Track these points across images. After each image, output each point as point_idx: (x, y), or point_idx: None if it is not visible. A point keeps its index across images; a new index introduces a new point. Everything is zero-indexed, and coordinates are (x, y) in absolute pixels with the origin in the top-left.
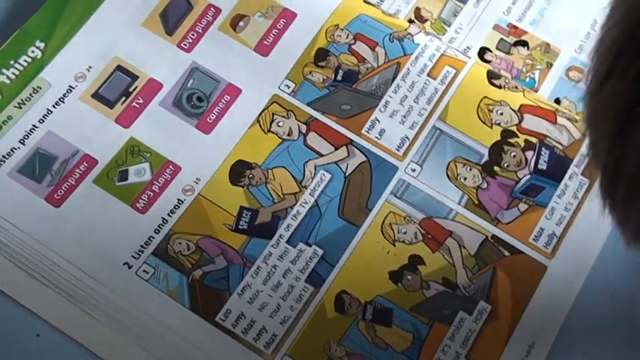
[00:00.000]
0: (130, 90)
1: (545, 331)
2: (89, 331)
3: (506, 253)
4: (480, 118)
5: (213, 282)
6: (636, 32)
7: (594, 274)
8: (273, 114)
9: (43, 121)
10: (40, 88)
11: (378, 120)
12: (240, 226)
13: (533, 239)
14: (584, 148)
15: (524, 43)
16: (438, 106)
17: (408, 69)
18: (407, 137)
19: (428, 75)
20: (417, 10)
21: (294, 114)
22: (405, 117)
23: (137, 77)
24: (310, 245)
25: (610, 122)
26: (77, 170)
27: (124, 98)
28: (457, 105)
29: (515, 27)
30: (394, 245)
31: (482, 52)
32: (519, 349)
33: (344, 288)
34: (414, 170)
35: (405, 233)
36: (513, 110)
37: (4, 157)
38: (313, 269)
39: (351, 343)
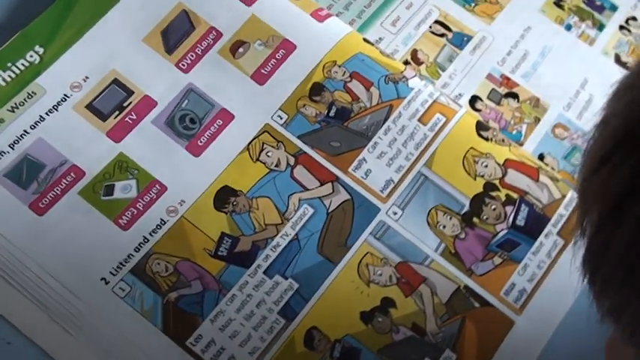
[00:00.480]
0: (125, 105)
1: None
2: (60, 342)
3: (477, 304)
4: (464, 168)
5: (188, 306)
6: (636, 129)
7: (559, 333)
8: (263, 143)
9: (35, 127)
10: (35, 93)
11: (365, 160)
12: (219, 252)
13: (504, 293)
14: (562, 209)
15: (515, 96)
16: (425, 153)
17: (400, 112)
18: (392, 180)
19: (418, 120)
20: (414, 52)
21: (284, 145)
22: (392, 160)
23: (132, 92)
24: (287, 278)
25: (601, 205)
26: (64, 180)
27: (117, 112)
28: (444, 153)
29: (508, 78)
30: (368, 286)
31: (474, 100)
32: None
33: (315, 324)
34: (395, 213)
35: (380, 275)
36: (498, 164)
37: None
38: (287, 302)
39: None
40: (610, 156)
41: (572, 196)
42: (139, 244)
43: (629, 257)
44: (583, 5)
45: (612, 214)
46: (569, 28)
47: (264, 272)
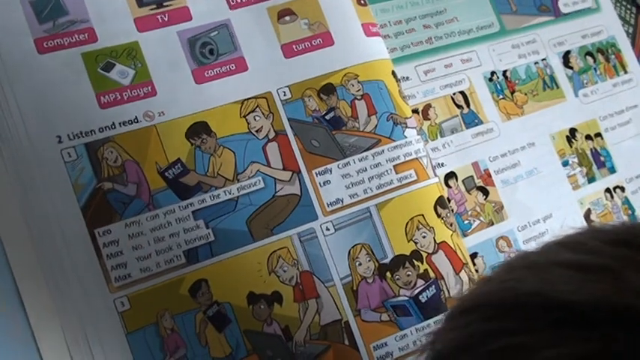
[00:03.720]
0: (164, 4)
1: None
2: None
3: (347, 342)
4: (405, 228)
5: (115, 201)
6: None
7: None
8: (257, 106)
9: None
10: None
11: (330, 171)
12: (166, 174)
13: (374, 347)
14: None
15: (486, 192)
16: (382, 195)
17: (383, 150)
18: (342, 201)
19: (394, 166)
20: (427, 107)
21: (272, 118)
22: (352, 185)
23: None
24: (208, 227)
25: None
26: (76, 36)
27: (155, 6)
28: (397, 205)
29: (489, 175)
30: (269, 274)
31: (450, 175)
32: None
33: (207, 278)
34: (328, 229)
35: (284, 271)
36: (435, 241)
37: None
38: (196, 247)
39: (181, 323)
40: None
41: None
42: (106, 127)
43: None
44: (588, 153)
45: None
46: (565, 164)
47: (193, 212)
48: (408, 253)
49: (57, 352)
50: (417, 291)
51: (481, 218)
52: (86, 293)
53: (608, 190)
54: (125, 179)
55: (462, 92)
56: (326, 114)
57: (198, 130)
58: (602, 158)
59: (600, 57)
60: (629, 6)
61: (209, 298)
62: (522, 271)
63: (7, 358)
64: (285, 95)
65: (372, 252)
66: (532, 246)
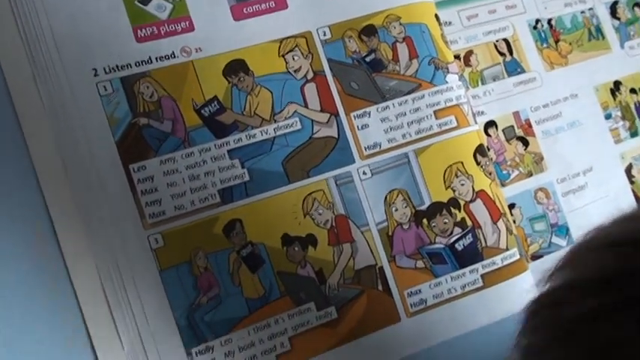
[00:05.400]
0: None
1: None
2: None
3: (380, 287)
4: (444, 175)
5: (150, 137)
6: None
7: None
8: (296, 46)
9: None
10: None
11: (369, 114)
12: (202, 111)
13: (408, 294)
14: (497, 258)
15: (526, 143)
16: (421, 141)
17: (424, 95)
18: (380, 145)
19: (434, 112)
20: (469, 53)
21: (312, 58)
22: (391, 129)
23: None
24: (243, 167)
25: None
26: None
27: None
28: (436, 152)
29: (530, 126)
30: (304, 217)
31: (490, 124)
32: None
33: (241, 218)
34: (365, 173)
35: (320, 214)
36: (473, 189)
37: None
38: (231, 187)
39: (215, 262)
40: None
41: (512, 252)
42: (143, 61)
43: None
44: (632, 107)
45: None
46: (608, 116)
47: (229, 151)
48: (445, 201)
49: (90, 289)
50: (453, 239)
51: (520, 169)
52: (120, 229)
53: None
54: (161, 115)
55: (505, 39)
56: (366, 56)
57: (236, 68)
58: None
59: None
60: None
61: (243, 238)
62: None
63: (42, 296)
64: (325, 35)
65: (409, 198)
66: (570, 200)
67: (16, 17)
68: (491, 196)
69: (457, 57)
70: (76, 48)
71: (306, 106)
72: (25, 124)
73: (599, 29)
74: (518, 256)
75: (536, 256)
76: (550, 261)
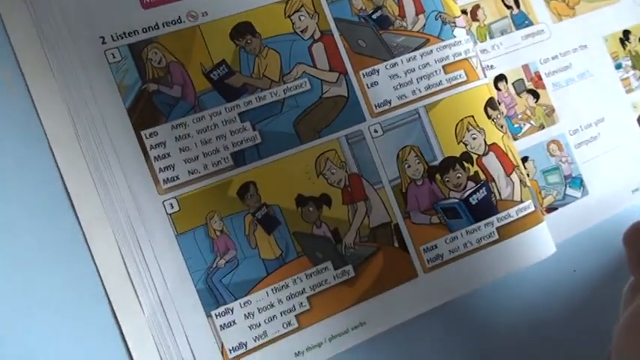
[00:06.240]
0: None
1: (380, 320)
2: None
3: (396, 244)
4: (455, 130)
5: (160, 103)
6: None
7: (446, 307)
8: (302, 5)
9: None
10: None
11: (378, 72)
12: (211, 75)
13: (424, 249)
14: (512, 210)
15: (536, 95)
16: (431, 97)
17: (432, 50)
18: (390, 102)
19: (443, 67)
20: (476, 7)
21: (318, 17)
22: (400, 86)
23: None
24: (255, 129)
25: None
26: None
27: None
28: (447, 106)
29: (540, 78)
30: (318, 177)
31: (500, 78)
32: (352, 319)
33: (255, 181)
34: (376, 131)
35: (333, 173)
36: (485, 142)
37: None
38: (243, 150)
39: (230, 224)
40: None
41: (527, 204)
42: (149, 27)
43: None
44: None
45: None
46: (618, 66)
47: (239, 114)
48: (457, 155)
49: (109, 256)
50: (467, 193)
51: (531, 122)
52: (135, 195)
53: None
54: (170, 81)
55: None
56: (372, 13)
57: (243, 30)
58: None
59: None
60: None
61: (257, 200)
62: None
63: (60, 265)
64: None
65: (421, 154)
66: (583, 151)
67: None
68: (504, 149)
69: (464, 12)
70: (83, 17)
71: (314, 66)
72: (36, 93)
73: None
74: (533, 208)
75: (551, 209)
76: (565, 213)
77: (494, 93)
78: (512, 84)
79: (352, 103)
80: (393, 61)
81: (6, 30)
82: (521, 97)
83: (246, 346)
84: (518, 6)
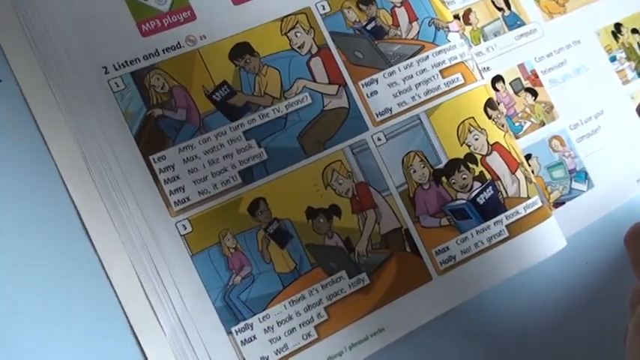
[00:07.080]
0: None
1: (398, 325)
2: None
3: (408, 249)
4: (457, 132)
5: (166, 127)
6: None
7: (462, 308)
8: (297, 22)
9: None
10: None
11: (377, 81)
12: (214, 96)
13: (436, 252)
14: (520, 207)
15: (534, 93)
16: (431, 101)
17: (427, 56)
18: (390, 110)
19: (440, 71)
20: (468, 11)
21: (314, 33)
22: (400, 93)
23: None
24: (260, 147)
25: None
26: None
27: None
28: (447, 110)
29: (537, 76)
30: (326, 188)
31: (497, 79)
32: (370, 326)
33: (265, 197)
34: (379, 139)
35: (340, 184)
36: (488, 142)
37: None
38: (251, 167)
39: (244, 241)
40: None
41: (534, 200)
42: (150, 54)
43: None
44: (636, 47)
45: None
46: (613, 59)
47: (244, 132)
48: (462, 157)
49: (127, 281)
50: (474, 193)
51: (532, 119)
52: (148, 220)
53: None
54: (174, 105)
55: None
56: (367, 24)
57: (241, 50)
58: None
59: None
60: None
61: (268, 215)
62: None
63: (80, 293)
64: (324, 9)
65: (426, 158)
66: (585, 145)
67: (24, 28)
68: (507, 147)
69: (456, 17)
70: (84, 49)
71: (314, 80)
72: (44, 128)
73: None
74: (540, 204)
75: (558, 203)
76: (573, 206)
77: (493, 94)
78: (510, 84)
79: (354, 114)
80: (390, 69)
81: (11, 69)
82: (519, 95)
83: None
84: (509, 7)
